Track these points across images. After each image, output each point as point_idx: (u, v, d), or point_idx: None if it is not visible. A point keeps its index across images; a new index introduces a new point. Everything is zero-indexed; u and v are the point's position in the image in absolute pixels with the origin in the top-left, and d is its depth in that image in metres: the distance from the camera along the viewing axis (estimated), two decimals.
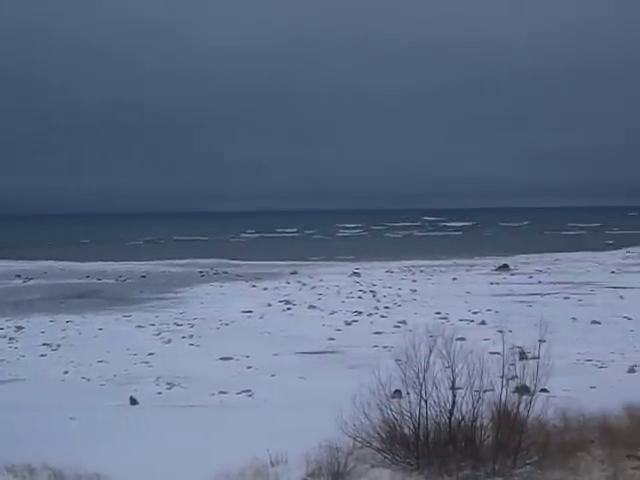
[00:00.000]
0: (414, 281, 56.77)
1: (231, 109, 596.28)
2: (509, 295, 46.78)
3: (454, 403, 12.12)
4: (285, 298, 46.93)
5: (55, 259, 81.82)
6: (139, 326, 37.23)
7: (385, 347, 27.74)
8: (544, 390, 13.05)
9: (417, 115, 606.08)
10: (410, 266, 69.89)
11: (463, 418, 12.12)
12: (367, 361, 22.76)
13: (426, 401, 12.11)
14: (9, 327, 37.37)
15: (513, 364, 12.92)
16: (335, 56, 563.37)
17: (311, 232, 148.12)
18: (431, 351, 12.18)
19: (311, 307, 42.87)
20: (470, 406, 12.12)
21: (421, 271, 65.36)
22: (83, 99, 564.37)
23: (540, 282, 54.35)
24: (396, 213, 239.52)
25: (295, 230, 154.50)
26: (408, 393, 12.47)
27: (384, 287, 52.54)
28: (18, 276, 66.39)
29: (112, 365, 27.71)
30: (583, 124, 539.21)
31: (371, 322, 37.03)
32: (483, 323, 34.34)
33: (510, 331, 21.88)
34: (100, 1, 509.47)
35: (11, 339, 34.04)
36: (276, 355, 29.15)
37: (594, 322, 34.39)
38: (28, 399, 21.63)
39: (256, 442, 13.25)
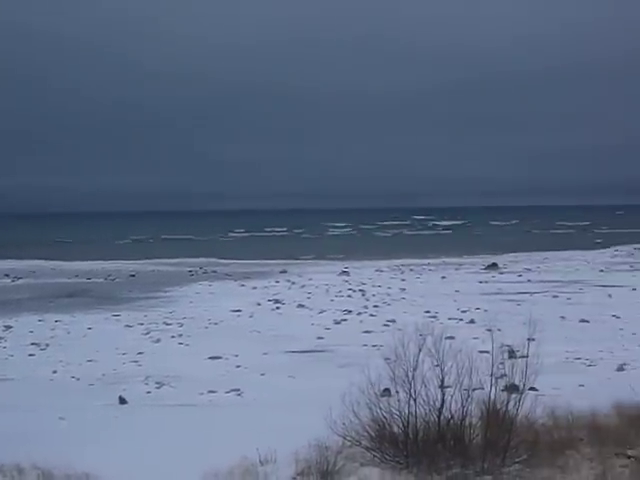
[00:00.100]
0: (403, 280, 56.81)
1: (222, 109, 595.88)
2: (498, 294, 46.86)
3: (443, 402, 12.13)
4: (274, 297, 46.88)
5: (44, 258, 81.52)
6: (128, 325, 37.13)
7: (374, 346, 27.73)
8: (533, 388, 13.07)
9: (408, 115, 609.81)
10: (399, 265, 69.97)
11: (452, 417, 12.13)
12: (356, 360, 22.79)
13: (415, 400, 12.12)
14: None
15: (502, 363, 12.97)
16: (335, 56, 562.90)
17: (300, 231, 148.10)
18: (420, 350, 12.19)
19: (300, 306, 42.84)
20: (459, 405, 12.13)
21: (410, 270, 65.43)
22: (83, 99, 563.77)
23: (529, 281, 54.47)
24: (386, 212, 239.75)
25: (284, 229, 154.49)
26: (397, 392, 12.48)
27: (373, 286, 52.56)
28: (7, 275, 66.12)
29: (101, 364, 27.62)
30: (583, 124, 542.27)
31: (360, 321, 37.02)
32: (472, 322, 34.38)
33: (499, 330, 21.97)
34: (100, 1, 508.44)
35: None
36: (265, 354, 29.12)
37: (583, 321, 34.49)
38: (17, 399, 21.54)
39: (245, 441, 13.24)
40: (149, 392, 23.39)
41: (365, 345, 29.41)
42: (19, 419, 17.75)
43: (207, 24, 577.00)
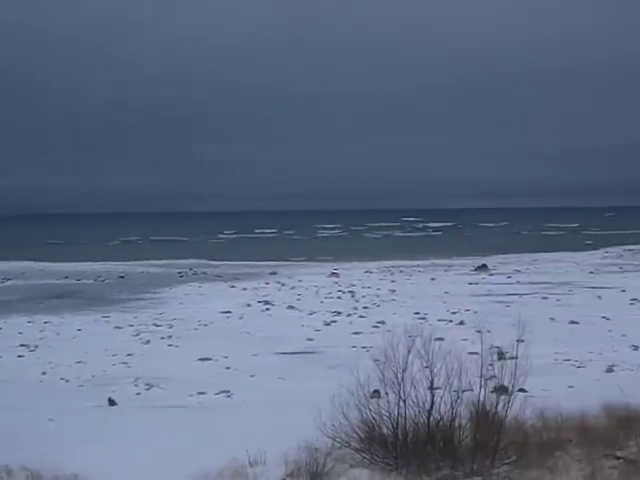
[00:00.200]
0: (393, 281, 56.86)
1: (215, 110, 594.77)
2: (487, 295, 46.92)
3: (433, 403, 12.14)
4: (264, 298, 46.86)
5: (33, 260, 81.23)
6: (118, 327, 37.04)
7: (364, 347, 27.75)
8: (522, 390, 13.09)
9: (406, 117, 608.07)
10: (389, 266, 70.01)
11: (442, 418, 12.15)
12: (346, 361, 22.77)
13: (405, 401, 12.14)
14: None
15: (491, 364, 12.97)
16: (335, 56, 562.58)
17: (290, 232, 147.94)
18: (410, 351, 12.21)
19: (290, 307, 42.84)
20: (449, 406, 12.15)
21: (400, 271, 65.47)
22: (83, 100, 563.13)
23: (519, 282, 54.56)
24: (376, 214, 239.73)
25: (274, 230, 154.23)
26: (387, 393, 12.49)
27: (363, 287, 52.60)
28: None
29: (90, 366, 27.54)
30: (583, 125, 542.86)
31: (350, 322, 37.03)
32: (462, 323, 34.42)
33: (488, 331, 21.90)
34: (101, 1, 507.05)
35: None
36: (255, 355, 29.10)
37: (572, 322, 34.55)
38: (6, 400, 21.44)
39: (235, 442, 13.25)
40: (139, 393, 23.35)
41: (354, 346, 29.41)
42: (8, 420, 17.67)
43: (206, 24, 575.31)
